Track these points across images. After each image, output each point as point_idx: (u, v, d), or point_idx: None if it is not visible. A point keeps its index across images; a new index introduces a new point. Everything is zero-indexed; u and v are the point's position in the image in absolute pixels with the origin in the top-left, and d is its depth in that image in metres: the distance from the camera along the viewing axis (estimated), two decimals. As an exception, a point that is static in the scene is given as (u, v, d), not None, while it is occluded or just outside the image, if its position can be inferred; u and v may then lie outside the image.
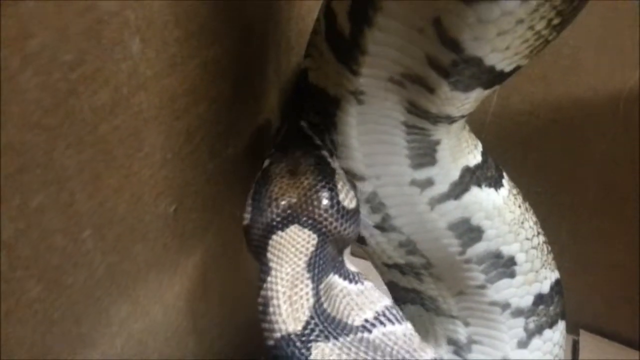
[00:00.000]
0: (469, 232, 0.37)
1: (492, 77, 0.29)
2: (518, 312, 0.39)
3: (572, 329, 0.58)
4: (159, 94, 0.28)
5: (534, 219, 0.40)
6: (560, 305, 0.41)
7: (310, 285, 0.29)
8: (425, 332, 0.44)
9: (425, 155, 0.35)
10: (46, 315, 0.26)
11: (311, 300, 0.28)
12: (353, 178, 0.38)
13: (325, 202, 0.31)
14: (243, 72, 0.36)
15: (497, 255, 0.38)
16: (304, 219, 0.31)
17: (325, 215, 0.31)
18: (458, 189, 0.36)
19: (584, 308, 0.61)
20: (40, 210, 0.23)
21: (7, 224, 0.22)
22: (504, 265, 0.38)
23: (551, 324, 0.40)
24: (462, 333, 0.42)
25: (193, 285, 0.38)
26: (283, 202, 0.31)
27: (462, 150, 0.37)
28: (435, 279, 0.41)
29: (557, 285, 0.40)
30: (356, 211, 0.33)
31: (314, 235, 0.31)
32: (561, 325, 0.41)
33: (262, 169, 0.34)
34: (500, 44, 0.26)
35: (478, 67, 0.28)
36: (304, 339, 0.27)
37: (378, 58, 0.31)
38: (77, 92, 0.23)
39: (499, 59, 0.28)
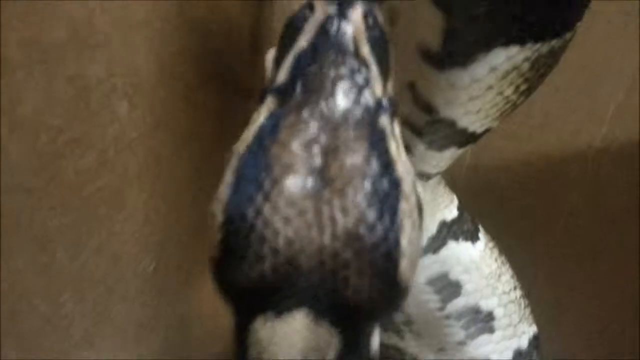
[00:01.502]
0: (448, 286, 0.37)
1: (465, 138, 0.30)
2: (498, 369, 0.39)
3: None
4: (143, 155, 0.28)
5: (511, 272, 0.40)
6: (538, 361, 0.41)
7: None
8: (406, 388, 0.44)
9: (403, 210, 0.36)
10: (21, 380, 0.25)
11: None
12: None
13: (374, 280, 0.17)
14: (227, 132, 0.37)
15: (476, 310, 0.38)
16: (326, 300, 0.17)
17: (370, 302, 0.18)
18: (436, 244, 0.37)
19: (563, 356, 0.61)
20: (21, 272, 0.23)
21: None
22: (482, 320, 0.38)
23: (530, 380, 0.40)
24: (443, 390, 0.41)
25: (172, 343, 0.37)
26: (288, 254, 0.17)
27: (438, 205, 0.38)
28: (416, 336, 0.41)
29: (535, 340, 0.40)
30: (412, 282, 0.19)
31: (336, 332, 0.18)
32: (540, 380, 0.41)
33: (257, 131, 0.19)
34: (472, 108, 0.28)
35: (451, 128, 0.29)
36: None
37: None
38: (63, 155, 0.23)
39: (471, 121, 0.29)
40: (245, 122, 0.40)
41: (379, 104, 0.19)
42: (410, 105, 0.29)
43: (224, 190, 0.19)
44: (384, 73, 0.20)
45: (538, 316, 0.42)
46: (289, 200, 0.17)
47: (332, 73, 0.19)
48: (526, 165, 0.53)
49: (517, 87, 0.28)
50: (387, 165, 0.18)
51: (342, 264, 0.17)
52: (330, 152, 0.18)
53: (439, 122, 0.29)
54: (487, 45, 0.25)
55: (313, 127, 0.18)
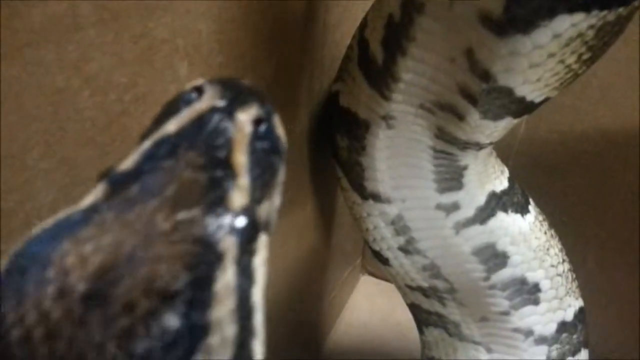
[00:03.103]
0: (494, 257, 0.37)
1: (522, 107, 0.30)
2: (541, 340, 0.39)
3: (595, 362, 0.57)
4: (200, 114, 0.29)
5: (560, 246, 0.40)
6: (583, 334, 0.40)
7: None
8: (447, 356, 0.45)
9: (451, 179, 0.36)
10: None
11: None
12: (379, 200, 0.39)
13: None
14: (277, 97, 0.37)
15: (522, 282, 0.38)
16: None
17: None
18: (484, 214, 0.37)
19: (609, 341, 0.60)
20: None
21: (58, 233, 0.24)
22: (528, 292, 0.38)
23: (574, 352, 0.40)
24: (484, 359, 0.42)
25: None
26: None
27: (488, 176, 0.37)
28: (459, 304, 0.41)
29: (580, 313, 0.40)
30: None
31: None
32: (584, 354, 0.41)
33: (62, 220, 0.16)
34: (531, 76, 0.27)
35: (508, 97, 0.29)
36: None
37: (410, 85, 0.32)
38: (129, 112, 0.25)
39: (530, 90, 0.28)
40: (295, 93, 0.40)
41: (229, 222, 0.15)
42: (467, 73, 0.29)
43: None
44: (262, 189, 0.17)
45: (584, 297, 0.41)
46: (42, 314, 0.13)
47: (185, 175, 0.15)
48: (582, 141, 0.52)
49: (580, 56, 0.27)
50: (197, 303, 0.14)
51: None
52: (130, 268, 0.14)
53: (495, 91, 0.28)
54: (551, 11, 0.24)
55: (126, 232, 0.14)
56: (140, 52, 0.24)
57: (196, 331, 0.14)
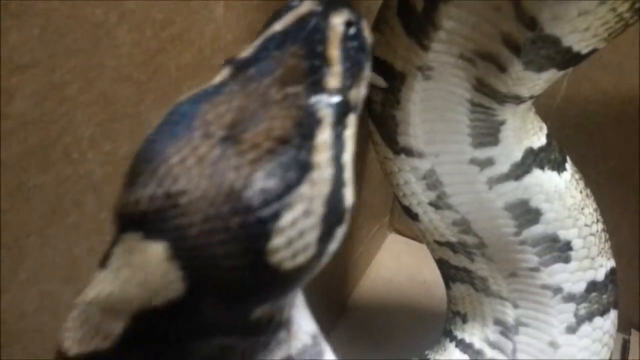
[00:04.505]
0: (527, 213, 0.37)
1: (568, 59, 0.29)
2: (569, 298, 0.39)
3: (623, 327, 0.57)
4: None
5: (594, 205, 0.39)
6: (613, 295, 0.40)
7: None
8: (473, 311, 0.45)
9: (488, 134, 0.35)
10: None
11: None
12: (411, 155, 0.38)
13: (239, 244, 0.17)
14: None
15: (554, 239, 0.37)
16: (188, 245, 0.17)
17: (229, 268, 0.18)
18: (519, 170, 0.36)
19: (638, 307, 0.59)
20: (126, 158, 0.25)
21: (97, 168, 0.24)
22: (559, 250, 0.38)
23: (602, 312, 0.39)
24: (510, 315, 0.42)
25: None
26: (170, 189, 0.18)
27: (527, 132, 0.37)
28: (487, 260, 0.41)
29: (612, 274, 0.40)
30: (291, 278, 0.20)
31: (182, 282, 0.17)
32: (613, 314, 0.41)
33: (200, 91, 0.20)
34: (580, 25, 0.26)
35: (554, 47, 0.28)
36: None
37: (451, 34, 0.31)
38: (165, 50, 0.25)
39: (577, 40, 0.27)
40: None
41: (326, 98, 0.19)
42: (512, 21, 0.28)
43: (154, 125, 0.20)
44: (351, 79, 0.20)
45: (616, 262, 0.41)
46: (193, 147, 0.18)
47: (290, 62, 0.20)
48: (625, 102, 0.50)
49: (633, 4, 0.26)
50: (303, 148, 0.18)
51: (216, 215, 0.17)
52: (254, 122, 0.19)
53: (541, 40, 0.27)
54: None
55: (249, 99, 0.19)
56: (178, -11, 0.24)
57: (303, 167, 0.18)
